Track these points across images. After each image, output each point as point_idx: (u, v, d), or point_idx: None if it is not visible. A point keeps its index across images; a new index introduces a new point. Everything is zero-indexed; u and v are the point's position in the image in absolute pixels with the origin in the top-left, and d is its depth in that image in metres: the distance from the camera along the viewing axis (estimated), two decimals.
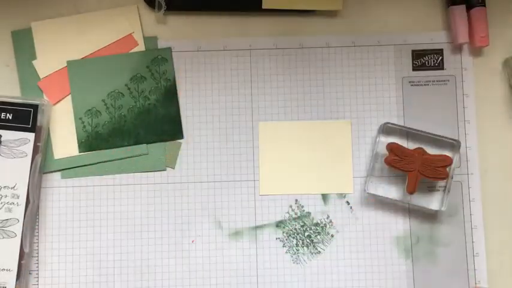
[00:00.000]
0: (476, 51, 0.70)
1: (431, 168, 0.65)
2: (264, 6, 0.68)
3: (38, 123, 0.65)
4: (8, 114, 0.65)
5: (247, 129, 0.69)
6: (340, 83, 0.69)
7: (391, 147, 0.66)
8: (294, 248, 0.67)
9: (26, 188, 0.65)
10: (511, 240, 0.68)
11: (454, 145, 0.67)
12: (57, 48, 0.68)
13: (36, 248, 0.67)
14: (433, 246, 0.67)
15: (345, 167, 0.68)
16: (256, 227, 0.67)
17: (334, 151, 0.68)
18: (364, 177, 0.68)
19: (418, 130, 0.67)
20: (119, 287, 0.67)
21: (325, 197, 0.68)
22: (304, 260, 0.67)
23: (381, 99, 0.69)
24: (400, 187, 0.68)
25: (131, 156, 0.68)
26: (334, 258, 0.67)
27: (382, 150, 0.67)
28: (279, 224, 0.68)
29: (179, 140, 0.68)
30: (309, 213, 0.68)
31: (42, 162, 0.67)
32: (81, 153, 0.68)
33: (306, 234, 0.67)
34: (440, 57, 0.69)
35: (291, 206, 0.68)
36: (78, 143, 0.68)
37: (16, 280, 0.64)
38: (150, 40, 0.69)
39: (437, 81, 0.69)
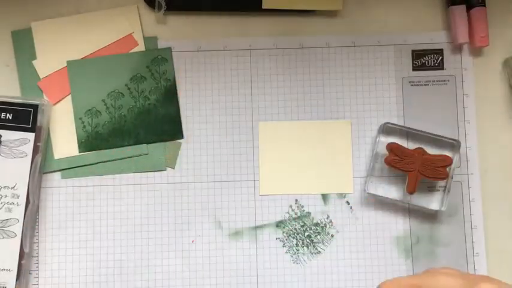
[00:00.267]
0: (476, 51, 0.70)
1: (431, 168, 0.65)
2: (264, 6, 0.68)
3: (38, 123, 0.65)
4: (8, 114, 0.65)
5: (247, 129, 0.69)
6: (340, 83, 0.69)
7: (391, 147, 0.66)
8: (294, 248, 0.67)
9: (26, 188, 0.65)
10: (511, 240, 0.68)
11: (454, 145, 0.67)
12: (57, 48, 0.68)
13: (36, 248, 0.67)
14: (433, 246, 0.67)
15: (345, 167, 0.68)
16: (256, 227, 0.68)
17: (334, 151, 0.68)
18: (364, 177, 0.68)
19: (418, 130, 0.67)
20: (119, 287, 0.67)
21: (325, 197, 0.68)
22: (304, 260, 0.67)
23: (381, 99, 0.69)
24: (400, 187, 0.68)
25: (131, 156, 0.68)
26: (334, 258, 0.67)
27: (382, 150, 0.67)
28: (279, 224, 0.68)
29: (179, 140, 0.68)
30: (309, 213, 0.68)
31: (42, 162, 0.67)
32: (81, 153, 0.68)
33: (306, 234, 0.67)
34: (440, 57, 0.69)
35: (291, 206, 0.68)
36: (78, 143, 0.68)
37: (16, 280, 0.64)
38: (150, 40, 0.69)
39: (437, 81, 0.69)
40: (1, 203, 0.64)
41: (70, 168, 0.68)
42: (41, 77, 0.68)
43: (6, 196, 0.64)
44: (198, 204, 0.68)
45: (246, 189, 0.68)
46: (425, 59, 0.69)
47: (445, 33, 0.70)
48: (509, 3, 0.70)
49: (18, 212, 0.64)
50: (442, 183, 0.67)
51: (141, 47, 0.69)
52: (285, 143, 0.68)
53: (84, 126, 0.68)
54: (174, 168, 0.68)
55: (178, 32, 0.69)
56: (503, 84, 0.70)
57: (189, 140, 0.68)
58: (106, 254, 0.67)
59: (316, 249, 0.67)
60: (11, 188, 0.64)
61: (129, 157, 0.68)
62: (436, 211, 0.67)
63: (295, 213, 0.68)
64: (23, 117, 0.65)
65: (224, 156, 0.68)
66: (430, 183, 0.67)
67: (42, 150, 0.66)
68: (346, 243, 0.68)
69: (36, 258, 0.67)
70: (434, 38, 0.70)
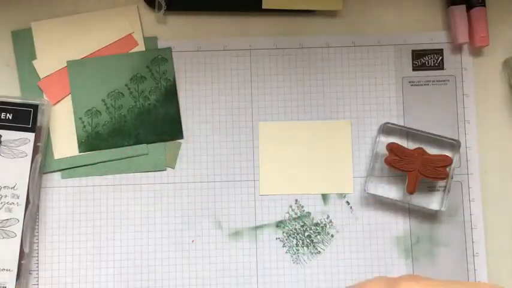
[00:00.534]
0: (476, 51, 0.70)
1: (431, 168, 0.65)
2: (264, 6, 0.68)
3: (38, 123, 0.65)
4: (8, 114, 0.65)
5: (247, 129, 0.69)
6: (340, 83, 0.69)
7: (391, 147, 0.66)
8: (294, 248, 0.67)
9: (26, 188, 0.65)
10: (511, 240, 0.68)
11: (454, 145, 0.67)
12: (57, 48, 0.68)
13: (36, 248, 0.67)
14: (433, 246, 0.67)
15: (345, 167, 0.68)
16: (256, 227, 0.68)
17: (334, 151, 0.68)
18: (364, 177, 0.68)
19: (418, 130, 0.67)
20: (119, 287, 0.67)
21: (325, 197, 0.68)
22: (304, 260, 0.67)
23: (381, 99, 0.69)
24: (400, 187, 0.68)
25: (131, 156, 0.68)
26: (334, 258, 0.67)
27: (382, 150, 0.67)
28: (279, 224, 0.68)
29: (179, 140, 0.68)
30: (309, 213, 0.68)
31: (42, 162, 0.67)
32: (81, 153, 0.68)
33: (306, 234, 0.67)
34: (440, 57, 0.69)
35: (291, 206, 0.68)
36: (78, 143, 0.68)
37: (16, 280, 0.64)
38: (150, 40, 0.69)
39: (437, 81, 0.69)
40: (1, 203, 0.64)
41: (70, 168, 0.68)
42: (41, 77, 0.68)
43: (6, 196, 0.64)
44: (198, 204, 0.68)
45: (246, 189, 0.68)
46: (425, 59, 0.69)
47: (445, 33, 0.70)
48: (509, 3, 0.70)
49: (18, 212, 0.64)
50: (442, 183, 0.67)
51: (141, 47, 0.69)
52: (285, 143, 0.68)
53: (84, 126, 0.68)
54: (174, 168, 0.68)
55: (178, 32, 0.69)
56: (503, 84, 0.70)
57: (189, 140, 0.68)
58: (106, 254, 0.67)
59: (316, 249, 0.67)
60: (11, 188, 0.64)
61: (129, 157, 0.68)
62: (436, 211, 0.67)
63: (295, 213, 0.68)
64: (23, 117, 0.65)
65: (224, 156, 0.68)
66: (430, 183, 0.67)
67: (42, 150, 0.66)
68: (346, 243, 0.68)
69: (36, 258, 0.67)
70: (434, 38, 0.70)
